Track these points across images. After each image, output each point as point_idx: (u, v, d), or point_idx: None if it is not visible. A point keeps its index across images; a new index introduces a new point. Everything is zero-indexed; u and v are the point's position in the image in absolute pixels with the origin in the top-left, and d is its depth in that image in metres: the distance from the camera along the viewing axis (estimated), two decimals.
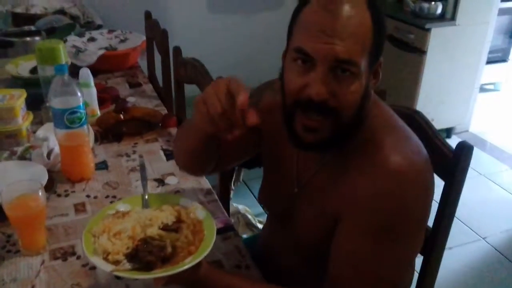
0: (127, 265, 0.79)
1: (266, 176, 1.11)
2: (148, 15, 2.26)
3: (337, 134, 0.83)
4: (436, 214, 1.08)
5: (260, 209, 2.54)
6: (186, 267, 0.78)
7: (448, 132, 3.41)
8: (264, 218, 2.44)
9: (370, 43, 0.79)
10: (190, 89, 1.76)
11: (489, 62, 3.59)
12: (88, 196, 1.27)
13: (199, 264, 0.82)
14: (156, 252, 0.80)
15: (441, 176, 1.06)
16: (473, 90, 3.29)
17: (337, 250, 0.88)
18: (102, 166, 1.41)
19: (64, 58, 1.60)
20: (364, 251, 0.84)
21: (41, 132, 1.46)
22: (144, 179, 1.05)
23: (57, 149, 1.36)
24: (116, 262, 0.80)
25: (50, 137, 1.39)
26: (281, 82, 0.87)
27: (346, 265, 0.86)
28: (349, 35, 0.76)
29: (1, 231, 1.12)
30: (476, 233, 2.45)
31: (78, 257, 1.05)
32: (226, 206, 1.53)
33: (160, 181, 1.34)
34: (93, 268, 1.02)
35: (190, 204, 0.94)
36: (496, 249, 2.36)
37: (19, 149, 1.39)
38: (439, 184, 1.05)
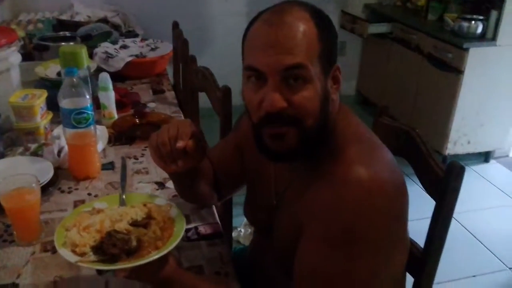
0: (93, 257, 0.82)
1: (248, 191, 1.14)
2: (175, 25, 2.33)
3: (304, 141, 0.83)
4: (427, 236, 1.04)
5: None
6: (148, 260, 0.80)
7: (487, 156, 3.26)
8: None
9: (317, 49, 0.81)
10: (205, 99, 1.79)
11: None
12: (89, 194, 1.31)
13: (165, 262, 0.83)
14: (120, 245, 0.82)
15: (432, 196, 1.02)
16: None
17: (298, 261, 0.86)
18: (108, 166, 1.46)
19: (86, 62, 1.67)
20: (324, 263, 0.81)
21: (56, 131, 1.53)
22: (123, 179, 1.08)
23: (67, 148, 1.42)
24: (83, 254, 0.83)
25: (62, 136, 1.45)
26: (244, 103, 0.89)
27: (306, 277, 0.84)
28: (294, 43, 0.78)
29: (1, 221, 1.18)
30: (503, 262, 2.32)
31: None
32: (229, 215, 1.53)
33: (160, 184, 1.36)
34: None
35: (165, 203, 0.96)
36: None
37: (33, 146, 1.46)
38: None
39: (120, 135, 1.65)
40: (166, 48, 2.33)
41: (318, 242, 0.82)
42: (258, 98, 0.82)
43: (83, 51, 1.65)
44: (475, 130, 3.06)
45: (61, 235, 0.88)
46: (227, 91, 1.34)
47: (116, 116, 1.73)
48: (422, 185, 1.06)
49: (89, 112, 1.31)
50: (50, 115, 1.59)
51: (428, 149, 1.05)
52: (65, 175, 1.38)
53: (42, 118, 1.55)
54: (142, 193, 1.19)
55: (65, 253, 0.83)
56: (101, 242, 0.83)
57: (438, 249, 1.04)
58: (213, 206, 1.29)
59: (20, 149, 1.46)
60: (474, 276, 2.23)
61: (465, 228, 2.56)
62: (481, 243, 2.45)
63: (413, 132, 1.10)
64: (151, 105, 1.94)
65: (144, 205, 0.94)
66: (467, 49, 2.81)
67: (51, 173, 1.30)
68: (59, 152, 1.43)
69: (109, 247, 0.81)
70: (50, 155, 1.41)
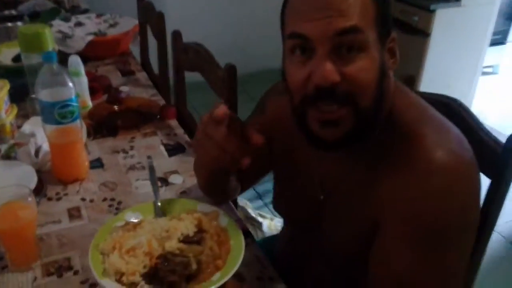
0: (146, 287, 0.66)
1: (281, 184, 1.01)
2: None
3: (360, 124, 0.72)
4: (482, 214, 0.96)
5: (260, 202, 2.42)
6: (215, 286, 0.65)
7: None
8: (264, 212, 2.33)
9: (373, 12, 0.70)
10: (191, 76, 1.62)
11: (490, 44, 3.51)
12: (83, 199, 1.13)
13: (225, 283, 0.70)
14: (179, 271, 0.67)
15: (487, 173, 0.94)
16: (476, 73, 3.19)
17: (379, 261, 0.76)
18: (96, 164, 1.27)
19: (51, 45, 1.44)
20: (413, 265, 0.72)
21: (27, 127, 1.31)
22: (154, 183, 0.91)
23: (45, 146, 1.22)
24: (132, 285, 0.67)
25: (38, 132, 1.24)
26: (285, 82, 0.76)
27: (390, 280, 0.74)
28: (346, 4, 0.67)
29: None
30: None
31: (76, 272, 0.91)
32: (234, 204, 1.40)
33: (164, 181, 1.20)
34: (94, 285, 0.88)
35: (210, 209, 0.81)
36: (504, 237, 2.32)
37: (3, 147, 1.24)
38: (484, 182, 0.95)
39: (100, 126, 1.45)
40: (128, 23, 2.09)
41: (402, 243, 0.72)
42: (305, 73, 0.70)
43: (47, 31, 1.42)
44: (442, 91, 3.07)
45: (96, 260, 0.71)
46: (232, 69, 1.19)
47: (90, 104, 1.53)
48: None
49: (75, 104, 1.11)
50: (15, 110, 1.37)
51: (477, 122, 0.96)
52: (48, 179, 1.18)
53: (6, 114, 1.32)
54: (177, 198, 1.02)
55: (112, 286, 0.67)
56: (154, 268, 0.67)
57: (491, 226, 0.97)
58: (231, 202, 1.15)
59: None
60: None
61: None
62: None
63: (456, 103, 1.01)
64: (124, 88, 1.73)
65: (192, 215, 0.78)
66: (433, 11, 2.78)
67: (34, 180, 1.11)
68: (37, 152, 1.22)
69: (167, 274, 0.66)
70: (26, 156, 1.20)
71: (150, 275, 0.68)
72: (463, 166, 0.72)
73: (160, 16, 1.75)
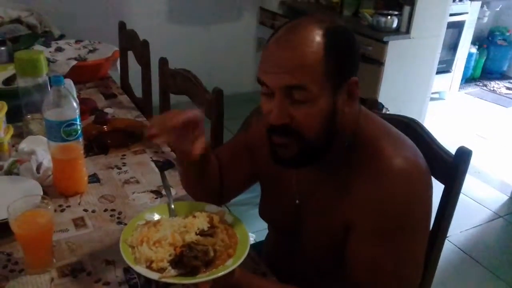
0: (172, 272, 0.80)
1: (265, 192, 1.16)
2: (122, 25, 2.22)
3: (305, 151, 0.88)
4: (436, 215, 1.14)
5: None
6: (230, 269, 0.80)
7: None
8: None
9: (323, 69, 0.83)
10: (173, 98, 1.76)
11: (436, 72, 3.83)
12: (85, 210, 1.23)
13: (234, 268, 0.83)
14: (201, 257, 0.81)
15: (441, 180, 1.12)
16: (425, 99, 3.48)
17: (355, 257, 0.91)
18: (93, 179, 1.37)
19: (45, 69, 1.54)
20: (382, 254, 0.88)
21: (24, 146, 1.39)
22: (167, 188, 1.04)
23: (46, 163, 1.31)
24: (161, 270, 0.80)
25: (37, 150, 1.34)
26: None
27: (367, 271, 0.89)
28: (295, 65, 0.82)
29: (0, 250, 1.06)
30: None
31: (89, 273, 1.02)
32: None
33: (157, 193, 1.32)
34: (107, 283, 0.99)
35: (217, 210, 0.95)
36: (458, 247, 2.51)
37: (5, 164, 1.32)
38: (438, 188, 1.13)
39: (91, 145, 1.55)
40: (107, 49, 2.21)
41: (372, 236, 0.88)
42: (268, 109, 0.88)
43: (42, 57, 1.52)
44: None
45: (127, 251, 0.83)
46: (219, 93, 1.34)
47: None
48: None
49: (78, 123, 1.22)
50: (11, 130, 1.45)
51: (431, 137, 1.15)
52: (50, 193, 1.27)
53: (5, 134, 1.41)
54: (188, 201, 1.14)
55: (144, 271, 0.79)
56: (180, 256, 0.80)
57: (447, 225, 1.15)
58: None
59: None
60: None
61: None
62: None
63: (413, 122, 1.20)
64: (109, 110, 1.84)
65: (205, 213, 0.92)
66: (386, 42, 3.05)
67: (40, 192, 1.20)
68: (38, 168, 1.31)
69: (191, 259, 0.79)
70: (29, 172, 1.29)
71: (176, 261, 0.80)
72: (417, 170, 0.89)
73: (145, 44, 1.88)
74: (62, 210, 1.23)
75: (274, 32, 0.90)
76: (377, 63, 3.13)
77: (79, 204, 1.26)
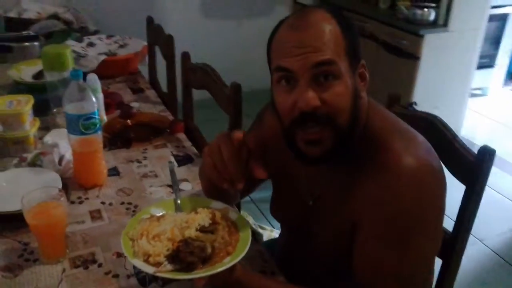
0: (169, 266, 0.79)
1: (276, 191, 1.13)
2: (150, 20, 2.25)
3: (339, 141, 0.85)
4: (457, 218, 1.09)
5: (260, 215, 2.54)
6: (226, 266, 0.79)
7: None
8: (264, 223, 2.44)
9: (343, 45, 0.83)
10: (198, 94, 1.76)
11: (478, 67, 3.68)
12: (103, 203, 1.25)
13: (235, 265, 0.82)
14: (197, 253, 0.80)
15: (461, 180, 1.07)
16: (464, 95, 3.35)
17: (362, 257, 0.88)
18: (113, 172, 1.39)
19: (71, 64, 1.58)
20: (390, 255, 0.84)
21: (49, 138, 1.43)
22: (175, 184, 1.04)
23: (68, 156, 1.34)
24: (157, 264, 0.80)
25: (60, 143, 1.37)
26: (274, 107, 0.90)
27: (374, 272, 0.86)
28: (321, 42, 0.81)
29: (17, 240, 1.09)
30: (474, 236, 2.49)
31: (100, 265, 1.03)
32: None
33: (171, 186, 1.32)
34: (116, 275, 1.01)
35: (222, 206, 0.94)
36: (493, 251, 2.40)
37: (29, 156, 1.36)
38: (460, 188, 1.07)
39: (114, 139, 1.57)
40: (137, 44, 2.24)
41: (380, 238, 0.84)
42: (291, 100, 0.83)
43: (68, 52, 1.56)
44: (432, 112, 3.22)
45: (127, 245, 0.84)
46: (237, 88, 1.32)
47: (105, 118, 1.66)
48: (449, 170, 1.11)
49: (97, 117, 1.24)
50: (37, 122, 1.50)
51: (453, 134, 1.09)
52: (70, 185, 1.30)
53: (31, 126, 1.45)
54: (194, 197, 1.14)
55: (140, 264, 0.80)
56: (176, 251, 0.80)
57: (468, 230, 1.09)
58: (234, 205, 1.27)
59: (15, 160, 1.36)
60: None
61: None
62: (451, 219, 2.60)
63: (435, 119, 1.14)
64: (134, 104, 1.87)
65: (207, 209, 0.91)
66: (422, 36, 2.95)
67: (59, 185, 1.23)
68: (60, 160, 1.34)
69: (187, 255, 0.79)
70: (51, 164, 1.32)
71: (173, 256, 0.80)
72: (429, 170, 0.84)
73: (170, 38, 1.89)
74: (81, 202, 1.25)
75: (277, 26, 0.88)
76: (413, 57, 3.03)
77: (97, 196, 1.28)
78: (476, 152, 1.03)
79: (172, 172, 1.09)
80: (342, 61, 0.82)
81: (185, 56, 1.68)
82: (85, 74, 1.62)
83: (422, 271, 0.88)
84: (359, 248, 0.88)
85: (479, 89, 4.25)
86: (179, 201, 0.97)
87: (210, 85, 1.50)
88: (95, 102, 1.23)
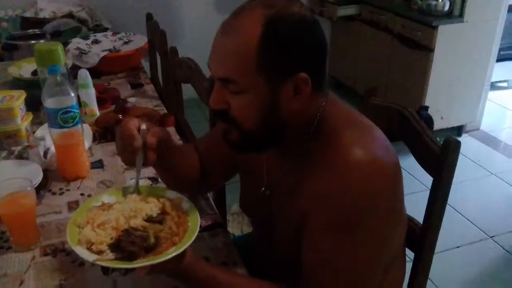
0: (110, 255, 0.81)
1: (242, 183, 1.14)
2: (149, 16, 2.28)
3: (247, 139, 0.87)
4: (426, 209, 1.07)
5: None
6: (168, 257, 0.79)
7: (459, 130, 3.35)
8: None
9: (254, 62, 0.79)
10: (188, 89, 1.78)
11: (501, 59, 3.54)
12: (82, 194, 1.29)
13: (182, 255, 0.83)
14: (138, 243, 0.81)
15: (429, 172, 1.05)
16: (483, 87, 3.24)
17: (307, 248, 0.87)
18: (97, 165, 1.43)
19: (63, 60, 1.62)
20: (334, 248, 0.83)
21: (39, 132, 1.49)
22: (137, 170, 1.01)
23: (53, 149, 1.38)
24: (100, 252, 0.82)
25: (47, 136, 1.41)
26: None
27: (317, 264, 0.85)
28: (225, 56, 0.81)
29: None
30: (484, 232, 2.41)
31: (68, 253, 1.06)
32: (223, 204, 1.53)
33: (154, 180, 1.34)
34: (82, 264, 1.04)
35: (175, 196, 0.95)
36: (503, 248, 2.32)
37: (17, 149, 1.42)
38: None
39: (105, 132, 1.61)
40: (140, 40, 2.28)
41: (325, 230, 0.83)
42: None
43: (59, 48, 1.60)
44: (447, 105, 3.15)
45: (73, 232, 0.86)
46: (213, 81, 1.33)
47: (97, 113, 1.70)
48: (418, 162, 1.08)
49: (76, 110, 1.27)
50: (30, 116, 1.55)
51: (422, 127, 1.07)
52: (54, 177, 1.35)
53: (22, 120, 1.50)
54: (152, 186, 1.16)
55: (82, 252, 0.82)
56: (118, 240, 0.82)
57: (438, 222, 1.07)
58: (210, 197, 1.29)
59: (4, 153, 1.41)
60: (458, 247, 2.32)
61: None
62: (461, 215, 2.53)
63: (406, 111, 1.12)
64: (131, 99, 1.90)
65: (158, 200, 0.93)
66: (436, 27, 2.87)
67: (40, 176, 1.27)
68: (45, 153, 1.39)
69: (128, 244, 0.80)
70: (36, 157, 1.37)
71: (115, 245, 0.82)
72: (376, 163, 0.82)
73: (163, 34, 1.92)
74: (61, 193, 1.29)
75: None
76: (426, 49, 2.96)
77: (78, 188, 1.32)
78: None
79: (138, 158, 1.05)
80: (248, 77, 0.80)
81: (173, 51, 1.70)
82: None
83: (370, 266, 0.85)
84: (305, 239, 0.87)
85: (504, 81, 4.10)
86: (139, 181, 0.98)
87: (193, 79, 1.51)
88: (73, 96, 1.27)
